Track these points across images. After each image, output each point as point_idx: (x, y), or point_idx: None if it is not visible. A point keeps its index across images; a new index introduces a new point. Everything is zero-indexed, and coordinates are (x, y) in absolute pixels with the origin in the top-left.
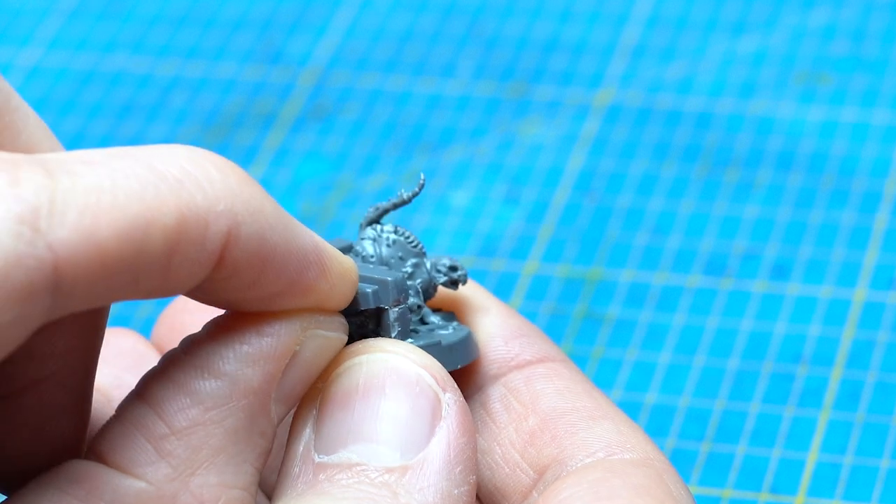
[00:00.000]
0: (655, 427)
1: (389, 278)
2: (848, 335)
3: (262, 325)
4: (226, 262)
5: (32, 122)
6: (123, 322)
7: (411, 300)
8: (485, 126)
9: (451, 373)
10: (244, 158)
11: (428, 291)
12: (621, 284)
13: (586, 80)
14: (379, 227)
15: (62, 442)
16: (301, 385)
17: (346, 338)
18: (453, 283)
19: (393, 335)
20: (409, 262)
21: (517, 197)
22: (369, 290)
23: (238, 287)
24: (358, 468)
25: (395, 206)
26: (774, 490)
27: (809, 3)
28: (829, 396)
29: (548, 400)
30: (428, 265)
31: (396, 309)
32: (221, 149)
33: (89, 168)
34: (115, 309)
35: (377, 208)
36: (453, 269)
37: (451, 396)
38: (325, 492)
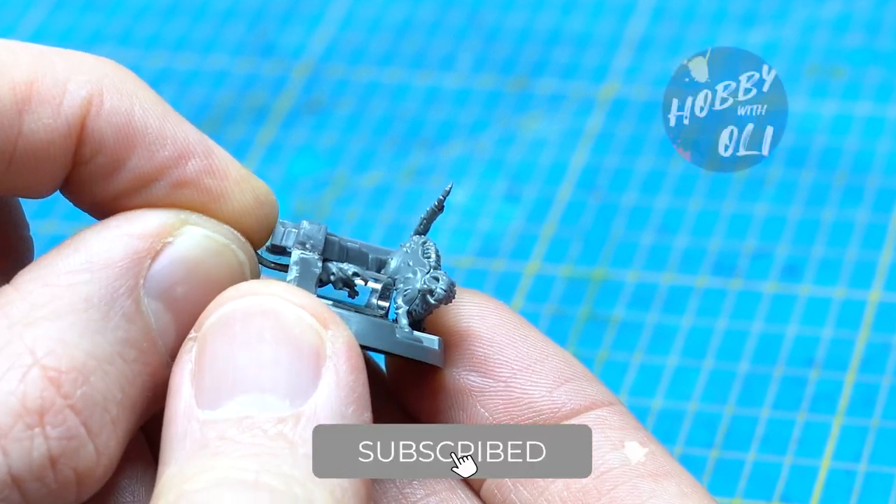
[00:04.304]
0: (662, 433)
1: (306, 222)
2: (862, 338)
3: (133, 211)
4: (87, 134)
5: None
6: None
7: (410, 288)
8: (485, 121)
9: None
10: (236, 153)
11: (416, 301)
12: (627, 285)
13: (590, 74)
14: (417, 237)
15: None
16: (182, 287)
17: (240, 252)
18: (430, 293)
19: (288, 279)
20: (413, 270)
21: (518, 194)
22: (278, 225)
23: (107, 170)
24: (248, 421)
25: (432, 216)
26: (786, 498)
27: None
28: (843, 401)
29: (600, 453)
30: (427, 277)
31: (299, 252)
32: None
33: None
34: None
35: (421, 220)
36: (435, 279)
37: (333, 333)
38: (220, 451)
